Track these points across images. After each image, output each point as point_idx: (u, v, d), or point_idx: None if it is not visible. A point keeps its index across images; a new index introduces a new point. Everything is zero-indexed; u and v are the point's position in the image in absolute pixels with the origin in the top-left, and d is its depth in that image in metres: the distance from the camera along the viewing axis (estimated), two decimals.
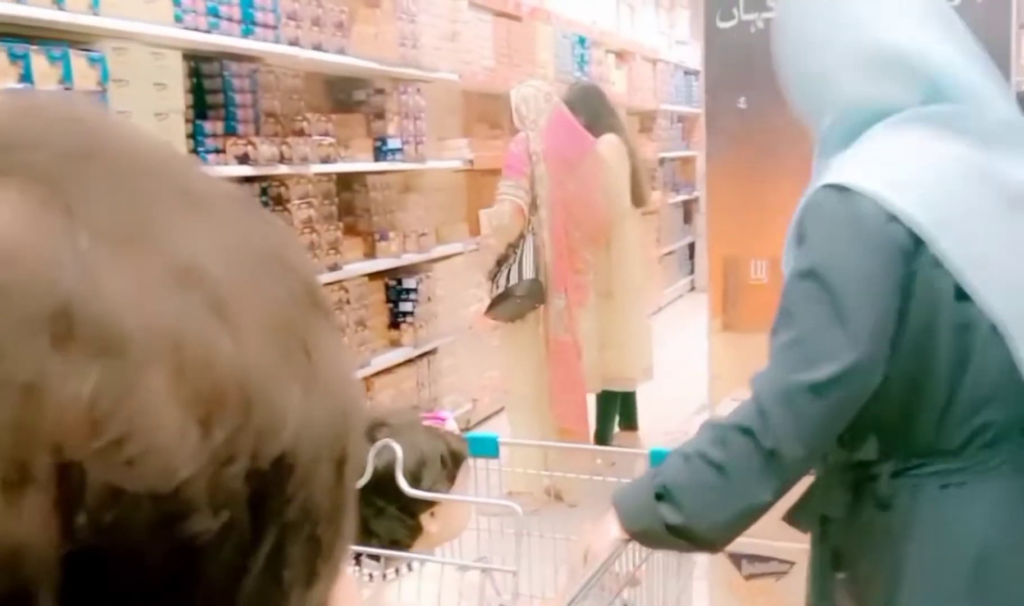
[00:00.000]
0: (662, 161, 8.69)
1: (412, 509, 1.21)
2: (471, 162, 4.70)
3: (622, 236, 3.96)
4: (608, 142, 3.92)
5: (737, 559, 2.16)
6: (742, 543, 2.17)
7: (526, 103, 3.58)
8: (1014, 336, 1.03)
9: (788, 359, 1.08)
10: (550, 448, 3.09)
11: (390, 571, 1.16)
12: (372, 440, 1.13)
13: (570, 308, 3.45)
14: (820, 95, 1.21)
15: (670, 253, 8.53)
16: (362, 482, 1.16)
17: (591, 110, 3.91)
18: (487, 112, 5.47)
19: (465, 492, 1.30)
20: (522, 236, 3.44)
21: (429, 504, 1.21)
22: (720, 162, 2.67)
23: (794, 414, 1.04)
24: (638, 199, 4.05)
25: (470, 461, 1.35)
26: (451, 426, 1.29)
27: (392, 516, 1.20)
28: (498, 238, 3.47)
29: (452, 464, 1.25)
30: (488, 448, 1.45)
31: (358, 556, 1.17)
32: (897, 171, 1.08)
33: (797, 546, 2.11)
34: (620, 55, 8.03)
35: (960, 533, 1.08)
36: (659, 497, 1.10)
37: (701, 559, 2.22)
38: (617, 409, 4.17)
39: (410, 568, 1.18)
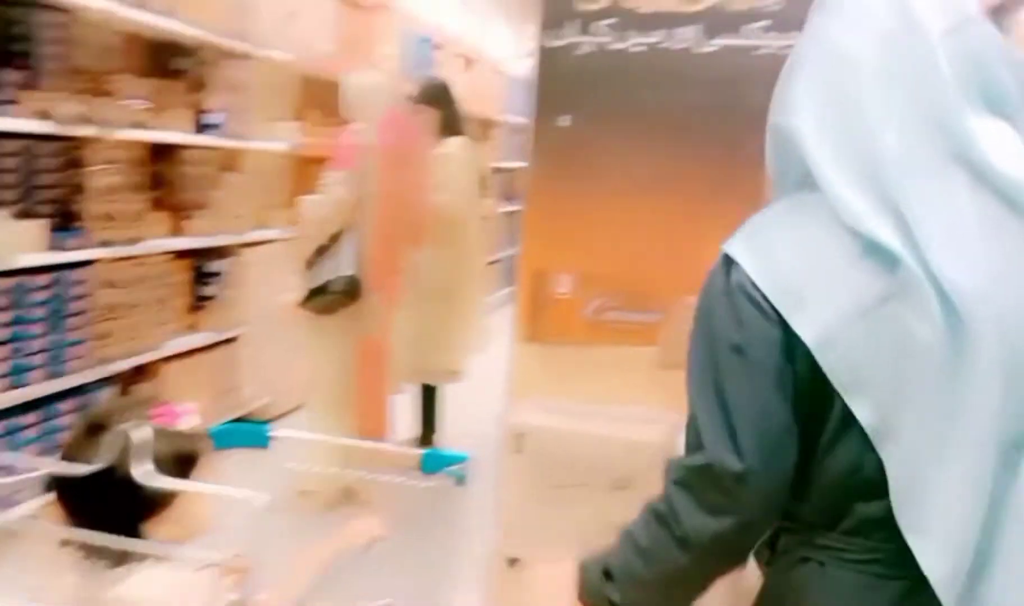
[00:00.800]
0: (497, 170, 8.80)
1: (132, 514, 1.12)
2: (299, 147, 4.56)
3: (466, 238, 3.96)
4: (458, 143, 3.93)
5: (515, 564, 2.20)
6: (524, 551, 2.22)
7: (363, 94, 3.51)
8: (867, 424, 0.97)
9: (688, 438, 1.05)
10: (350, 446, 3.03)
11: (123, 566, 1.08)
12: (94, 435, 1.05)
13: (384, 307, 3.41)
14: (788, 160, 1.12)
15: (496, 261, 8.64)
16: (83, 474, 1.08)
17: (443, 108, 3.90)
18: (321, 98, 5.32)
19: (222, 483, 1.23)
20: (344, 230, 3.36)
21: (158, 506, 1.13)
22: (540, 177, 2.72)
23: (694, 497, 1.01)
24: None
25: (229, 455, 1.28)
26: (189, 421, 1.21)
27: (121, 519, 1.11)
28: (317, 228, 3.38)
29: (182, 465, 1.16)
30: (256, 438, 1.39)
31: (88, 548, 1.08)
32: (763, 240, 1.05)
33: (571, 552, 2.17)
34: (467, 60, 8.07)
35: None
36: (606, 575, 1.09)
37: (479, 565, 2.25)
38: (435, 403, 4.17)
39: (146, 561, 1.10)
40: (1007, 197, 0.94)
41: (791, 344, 0.96)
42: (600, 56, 2.61)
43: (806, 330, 0.95)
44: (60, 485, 1.13)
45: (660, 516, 1.05)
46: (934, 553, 0.92)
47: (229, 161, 4.30)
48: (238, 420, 4.30)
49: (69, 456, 1.12)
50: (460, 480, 1.34)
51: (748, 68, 2.51)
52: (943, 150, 0.95)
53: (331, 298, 3.35)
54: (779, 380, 0.97)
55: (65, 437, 1.18)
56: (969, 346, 0.89)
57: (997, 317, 0.90)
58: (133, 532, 1.12)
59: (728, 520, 0.99)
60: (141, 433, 1.12)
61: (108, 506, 1.09)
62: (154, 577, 1.07)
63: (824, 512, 1.01)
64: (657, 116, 2.60)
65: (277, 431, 1.48)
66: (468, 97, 7.64)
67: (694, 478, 1.01)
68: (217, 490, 1.17)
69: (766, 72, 2.52)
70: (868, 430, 0.95)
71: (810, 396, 0.97)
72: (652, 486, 2.13)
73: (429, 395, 4.16)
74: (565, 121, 2.69)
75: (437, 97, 3.95)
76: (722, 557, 1.04)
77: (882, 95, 0.98)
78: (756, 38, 2.49)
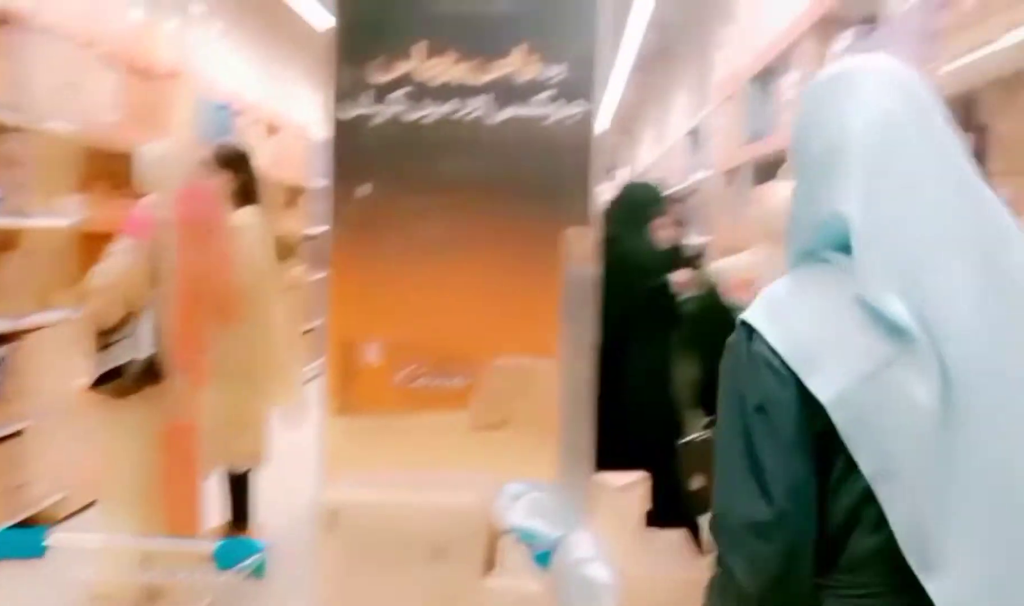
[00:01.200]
0: (308, 237, 8.65)
1: None
2: (85, 222, 4.29)
3: (266, 311, 3.82)
4: (251, 212, 3.78)
5: None
6: None
7: (159, 165, 3.36)
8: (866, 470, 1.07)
9: (718, 497, 1.14)
10: (151, 543, 2.84)
11: None
12: None
13: (188, 389, 3.24)
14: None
15: (309, 331, 8.43)
16: None
17: (238, 174, 3.76)
18: (109, 170, 5.05)
19: None
20: (140, 308, 3.17)
21: None
22: (343, 246, 2.71)
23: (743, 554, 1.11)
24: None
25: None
26: None
27: None
28: (106, 303, 3.17)
29: None
30: (29, 548, 1.28)
31: None
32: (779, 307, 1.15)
33: None
34: (269, 127, 7.93)
35: None
36: None
37: None
38: (246, 489, 3.97)
39: None
40: (1010, 275, 1.10)
41: (806, 403, 1.08)
42: (395, 126, 2.66)
43: (822, 391, 1.07)
44: None
45: (719, 586, 1.15)
46: (946, 588, 1.04)
47: (7, 240, 3.98)
48: (26, 521, 3.92)
49: None
50: (258, 572, 1.28)
51: (537, 136, 2.63)
52: (963, 225, 1.10)
53: (128, 381, 3.14)
54: (798, 435, 1.09)
55: None
56: (962, 405, 1.04)
57: (988, 383, 1.06)
58: None
59: (774, 565, 1.09)
60: None
61: None
62: None
63: (821, 553, 1.11)
64: (454, 183, 2.67)
65: (54, 537, 1.36)
66: (273, 163, 7.52)
67: (737, 537, 1.11)
68: None
69: (553, 139, 2.67)
70: (868, 478, 1.06)
71: (820, 448, 1.09)
72: (471, 552, 2.14)
73: (237, 481, 3.96)
74: (365, 189, 2.70)
75: (231, 162, 3.83)
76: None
77: (916, 178, 1.11)
78: (542, 108, 2.62)
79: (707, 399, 3.27)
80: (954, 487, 1.04)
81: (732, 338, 1.17)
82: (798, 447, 1.09)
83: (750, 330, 1.14)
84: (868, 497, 1.07)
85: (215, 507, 3.85)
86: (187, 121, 5.67)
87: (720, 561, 1.15)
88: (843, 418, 1.06)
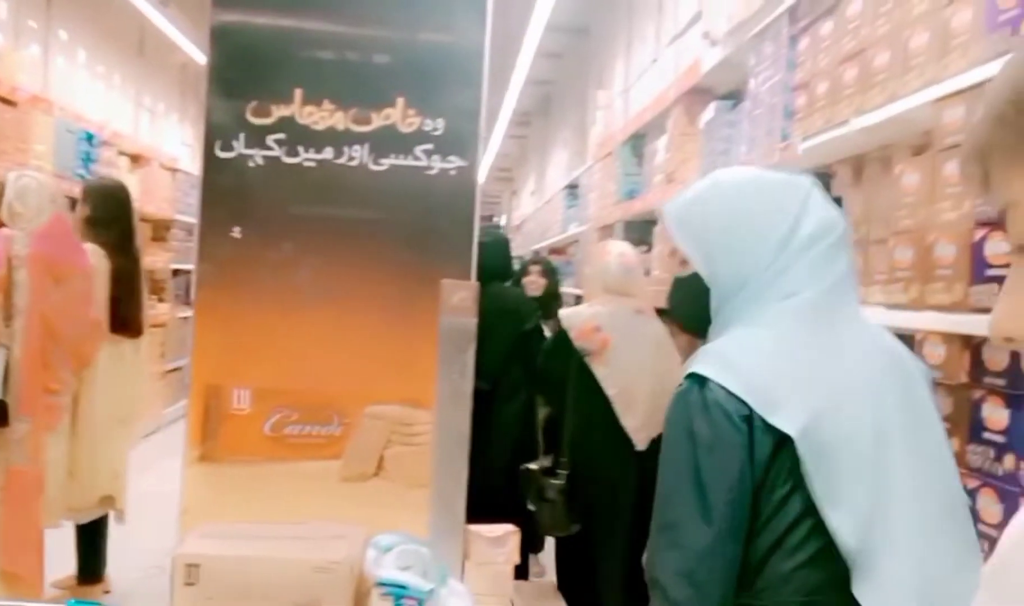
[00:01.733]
0: (176, 273, 8.35)
1: None
2: None
3: (120, 354, 3.65)
4: (94, 251, 3.61)
5: None
6: None
7: (23, 198, 3.18)
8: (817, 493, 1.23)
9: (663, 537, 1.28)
10: None
11: None
12: None
13: (36, 434, 3.04)
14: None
15: (175, 370, 8.10)
16: None
17: (108, 213, 3.60)
18: None
19: None
20: None
21: None
22: (210, 288, 2.63)
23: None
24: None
25: None
26: None
27: None
28: None
29: None
30: None
31: None
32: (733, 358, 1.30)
33: None
34: (135, 158, 7.65)
35: None
36: None
37: None
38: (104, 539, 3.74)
39: None
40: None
41: (753, 440, 1.25)
42: (271, 170, 2.61)
43: (788, 426, 1.23)
44: None
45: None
46: (878, 596, 1.21)
47: None
48: None
49: None
50: None
51: (417, 186, 2.64)
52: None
53: None
54: (743, 475, 1.24)
55: None
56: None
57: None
58: None
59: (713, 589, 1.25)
60: None
61: None
62: None
63: (748, 571, 1.27)
64: (330, 230, 2.64)
65: None
66: (139, 196, 7.24)
67: (683, 563, 1.25)
68: None
69: (434, 190, 2.69)
70: (819, 502, 1.22)
71: (763, 477, 1.26)
72: (341, 605, 2.08)
73: (90, 530, 3.73)
74: (236, 232, 2.63)
75: (99, 199, 3.68)
76: None
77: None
78: (424, 159, 2.64)
79: (550, 432, 3.72)
80: (890, 506, 1.23)
81: (681, 389, 1.31)
82: (742, 485, 1.24)
83: (701, 380, 1.28)
84: (792, 526, 1.25)
85: (62, 556, 3.62)
86: (49, 150, 5.40)
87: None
88: (806, 449, 1.23)
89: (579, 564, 3.22)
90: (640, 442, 3.14)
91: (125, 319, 3.64)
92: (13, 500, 2.98)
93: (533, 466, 3.28)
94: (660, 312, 3.24)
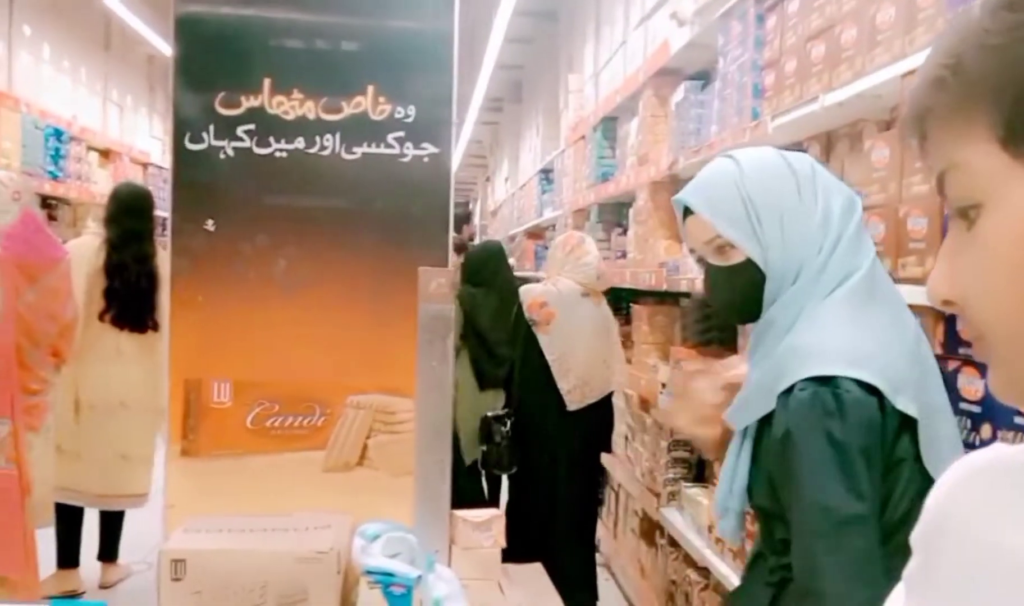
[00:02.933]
0: None
1: None
2: None
3: (88, 350, 3.65)
4: (81, 244, 3.71)
5: None
6: None
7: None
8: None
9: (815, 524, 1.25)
10: None
11: None
12: None
13: (16, 435, 3.01)
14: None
15: None
16: None
17: (119, 212, 3.71)
18: None
19: None
20: None
21: None
22: (185, 281, 2.61)
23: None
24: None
25: None
26: None
27: None
28: None
29: None
30: None
31: None
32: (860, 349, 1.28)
33: None
34: (105, 154, 7.56)
35: None
36: None
37: None
38: (80, 529, 3.77)
39: None
40: None
41: (885, 427, 1.25)
42: (242, 160, 2.59)
43: (910, 408, 1.25)
44: None
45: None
46: None
47: None
48: None
49: None
50: None
51: (391, 174, 2.63)
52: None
53: None
54: (880, 460, 1.25)
55: None
56: None
57: None
58: None
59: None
60: None
61: None
62: None
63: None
64: (303, 220, 2.63)
65: None
66: (109, 192, 7.15)
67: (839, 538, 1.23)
68: None
69: (408, 178, 2.68)
70: (934, 475, 1.16)
71: (888, 459, 1.26)
72: (328, 595, 2.09)
73: (111, 519, 3.80)
74: (210, 225, 2.62)
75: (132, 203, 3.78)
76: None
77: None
78: (396, 147, 2.63)
79: (508, 385, 4.12)
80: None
81: (805, 394, 1.25)
82: (878, 476, 1.24)
83: (825, 380, 1.24)
84: (913, 500, 1.23)
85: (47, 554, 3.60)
86: (16, 147, 5.32)
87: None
88: (922, 427, 1.25)
89: (525, 509, 3.75)
90: (571, 403, 3.76)
91: (136, 315, 3.71)
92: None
93: (489, 413, 3.88)
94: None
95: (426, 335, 2.44)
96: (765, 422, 1.33)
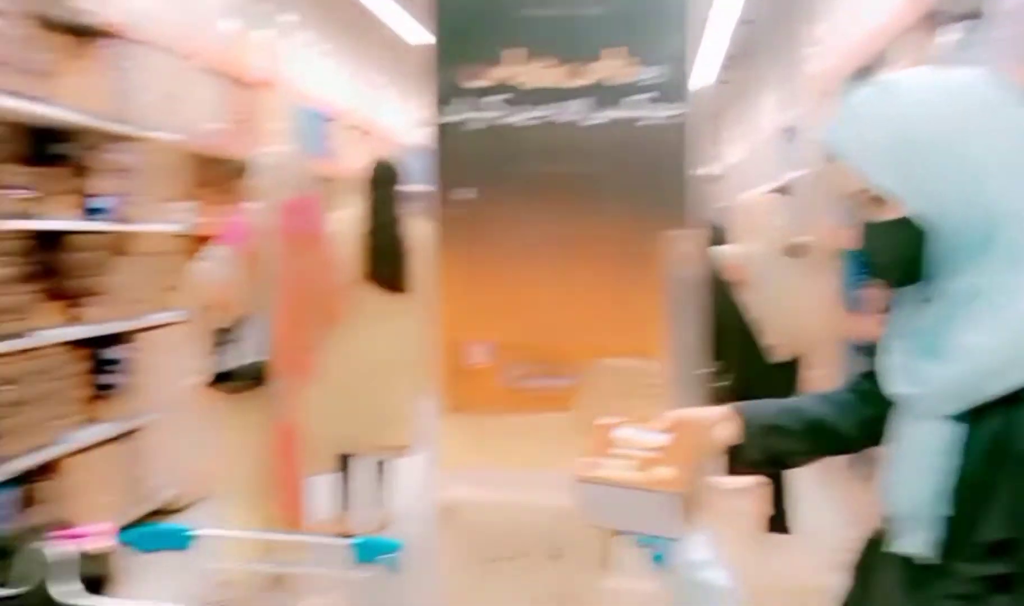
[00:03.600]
0: None
1: None
2: (191, 228, 4.47)
3: (358, 311, 3.95)
4: (341, 216, 4.00)
5: None
6: None
7: (264, 174, 3.49)
8: None
9: None
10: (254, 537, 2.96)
11: None
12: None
13: (294, 388, 3.34)
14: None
15: None
16: None
17: (392, 188, 4.00)
18: (213, 176, 5.25)
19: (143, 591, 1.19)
20: (245, 315, 3.31)
21: None
22: (446, 249, 2.76)
23: None
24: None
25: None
26: (101, 542, 1.17)
27: None
28: (207, 302, 3.34)
29: (91, 589, 1.12)
30: (175, 541, 1.34)
31: None
32: None
33: None
34: (360, 133, 8.10)
35: None
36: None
37: None
38: (351, 482, 4.13)
39: None
40: None
41: None
42: (493, 130, 2.69)
43: None
44: None
45: None
46: None
47: (120, 245, 4.17)
48: (148, 516, 4.10)
49: None
50: (394, 569, 1.33)
51: (633, 138, 2.63)
52: None
53: (239, 383, 3.28)
54: None
55: None
56: None
57: None
58: None
59: None
60: (60, 552, 1.09)
61: None
62: None
63: None
64: (556, 185, 2.69)
65: (198, 530, 1.43)
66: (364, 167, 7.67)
67: None
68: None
69: (649, 141, 2.67)
70: None
71: None
72: (587, 550, 2.16)
73: (374, 473, 4.16)
74: (468, 193, 2.74)
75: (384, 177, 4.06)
76: None
77: None
78: (638, 110, 2.62)
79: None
80: None
81: None
82: None
83: None
84: None
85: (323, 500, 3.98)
86: (284, 129, 5.83)
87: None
88: None
89: None
90: (776, 356, 3.79)
91: (380, 277, 3.98)
92: (278, 450, 3.31)
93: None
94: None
95: (675, 298, 2.43)
96: (981, 414, 1.08)
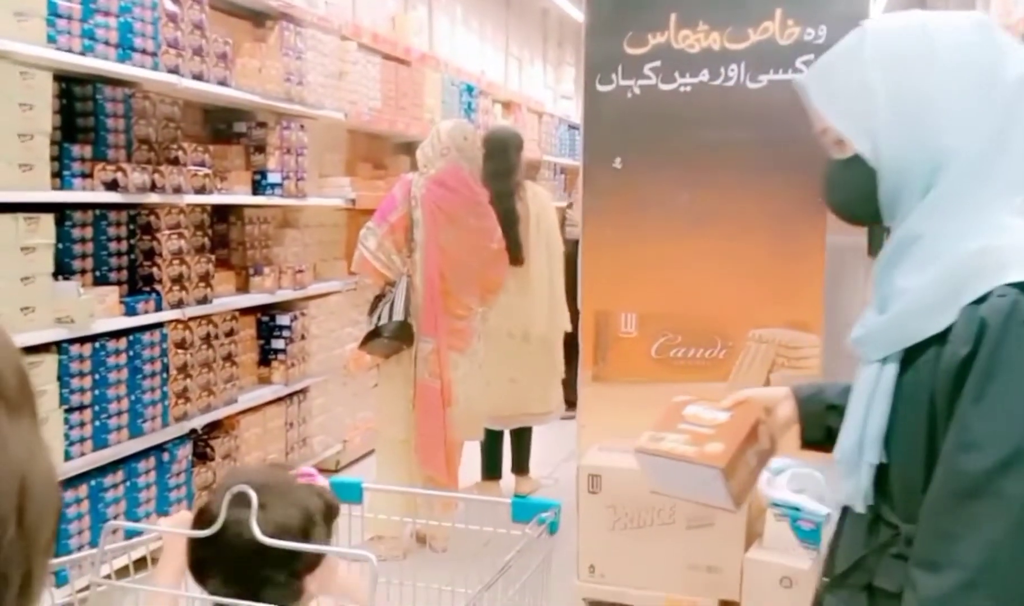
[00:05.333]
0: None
1: (293, 570, 1.18)
2: (353, 201, 4.67)
3: (534, 280, 4.04)
4: (537, 191, 4.11)
5: None
6: (600, 591, 2.23)
7: (423, 147, 3.59)
8: None
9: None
10: (418, 493, 3.09)
11: None
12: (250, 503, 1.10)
13: (440, 352, 3.44)
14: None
15: None
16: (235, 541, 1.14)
17: (506, 158, 4.01)
18: (371, 152, 5.46)
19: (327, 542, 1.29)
20: (397, 277, 3.45)
21: (311, 566, 1.18)
22: (595, 219, 2.77)
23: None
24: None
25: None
26: (321, 482, 1.28)
27: (279, 583, 1.17)
28: (371, 269, 3.49)
29: (331, 519, 1.24)
30: (351, 493, 1.44)
31: None
32: None
33: (654, 593, 2.18)
34: (507, 105, 8.19)
35: None
36: None
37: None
38: (501, 445, 4.23)
39: None
40: None
41: None
42: (648, 98, 2.66)
43: None
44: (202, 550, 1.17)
45: None
46: None
47: (288, 218, 4.42)
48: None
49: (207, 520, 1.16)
50: (552, 528, 1.36)
51: (796, 102, 2.54)
52: None
53: (384, 343, 3.42)
54: None
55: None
56: None
57: None
58: (297, 582, 1.17)
59: None
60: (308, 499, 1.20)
61: (265, 583, 1.15)
62: None
63: None
64: (708, 154, 2.64)
65: (369, 485, 1.52)
66: None
67: None
68: (335, 551, 1.22)
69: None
70: None
71: None
72: (732, 523, 2.13)
73: (522, 435, 4.26)
74: (617, 163, 2.74)
75: (501, 147, 4.07)
76: None
77: None
78: (805, 71, 2.52)
79: None
80: None
81: (1007, 299, 0.98)
82: None
83: None
84: None
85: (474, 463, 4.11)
86: (437, 103, 5.98)
87: None
88: None
89: None
90: None
91: (510, 249, 4.03)
92: (423, 411, 3.43)
93: None
94: None
95: (834, 269, 2.35)
96: (916, 352, 1.05)
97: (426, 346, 3.43)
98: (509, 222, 3.94)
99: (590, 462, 2.30)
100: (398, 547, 3.29)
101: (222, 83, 3.66)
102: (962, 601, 0.97)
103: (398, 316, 3.38)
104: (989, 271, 1.00)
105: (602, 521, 2.20)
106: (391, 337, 3.39)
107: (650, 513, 2.18)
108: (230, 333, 3.76)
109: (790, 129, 2.56)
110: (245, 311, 3.93)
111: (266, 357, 4.11)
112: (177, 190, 3.39)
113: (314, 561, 1.17)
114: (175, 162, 3.47)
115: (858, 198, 1.13)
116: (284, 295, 4.11)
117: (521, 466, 4.31)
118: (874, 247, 3.09)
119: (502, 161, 4.05)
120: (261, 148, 4.11)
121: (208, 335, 3.59)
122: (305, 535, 1.15)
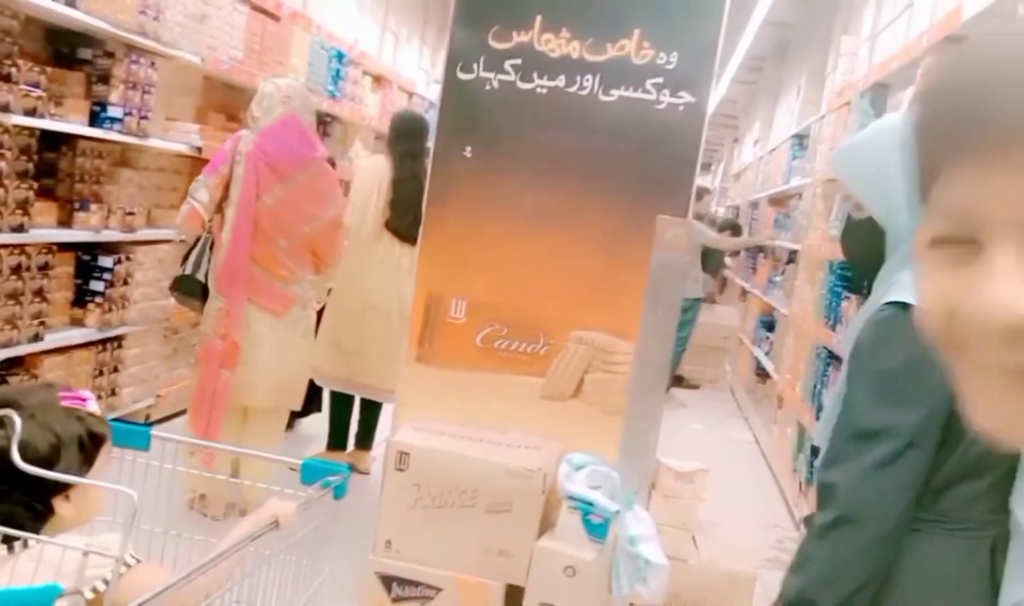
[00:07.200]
0: None
1: (41, 492, 1.15)
2: (199, 149, 4.49)
3: (372, 255, 4.00)
4: (371, 162, 4.09)
5: (388, 581, 2.24)
6: (393, 566, 2.26)
7: (260, 102, 3.51)
8: None
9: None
10: (240, 454, 3.03)
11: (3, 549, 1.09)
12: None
13: (231, 312, 3.34)
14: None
15: None
16: None
17: (420, 139, 4.04)
18: (226, 102, 5.26)
19: (105, 478, 1.25)
20: (202, 232, 3.43)
21: (62, 487, 1.16)
22: (439, 202, 2.79)
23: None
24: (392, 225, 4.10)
25: (115, 448, 1.30)
26: (92, 407, 1.25)
27: (16, 499, 1.13)
28: (179, 233, 3.45)
29: (91, 446, 1.20)
30: (138, 440, 1.40)
31: None
32: None
33: (444, 573, 2.23)
34: (377, 79, 8.08)
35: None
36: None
37: (355, 580, 2.27)
38: (348, 417, 4.19)
39: (26, 545, 1.11)
40: None
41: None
42: (505, 93, 2.71)
43: None
44: None
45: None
46: None
47: (125, 157, 4.20)
48: (116, 420, 4.16)
49: None
50: (339, 493, 1.37)
51: (645, 120, 2.65)
52: None
53: (178, 293, 3.44)
54: (943, 391, 1.24)
55: None
56: None
57: None
58: (44, 506, 1.14)
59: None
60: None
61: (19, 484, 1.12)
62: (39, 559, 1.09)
63: (931, 492, 1.33)
64: (555, 156, 2.72)
65: (158, 433, 1.48)
66: (378, 116, 7.68)
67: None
68: (93, 483, 1.19)
69: (661, 125, 2.68)
70: None
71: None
72: (529, 511, 2.21)
73: (370, 408, 4.23)
74: (468, 152, 2.77)
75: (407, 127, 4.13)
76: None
77: None
78: (653, 93, 2.64)
79: None
80: None
81: (883, 314, 1.32)
82: (939, 404, 1.27)
83: (904, 306, 1.29)
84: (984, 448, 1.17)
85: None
86: (303, 64, 5.83)
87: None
88: None
89: None
90: None
91: (395, 226, 4.02)
92: (200, 365, 3.38)
93: None
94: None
95: (656, 282, 2.47)
96: None
97: (215, 303, 3.36)
98: (414, 202, 3.94)
99: (401, 439, 2.32)
100: (219, 507, 3.23)
101: (70, 4, 3.44)
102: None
103: (190, 269, 3.37)
104: (881, 297, 1.34)
105: (405, 498, 2.23)
106: (182, 291, 3.38)
107: (453, 494, 2.23)
108: (44, 267, 3.53)
109: (633, 144, 2.68)
110: (65, 247, 3.71)
111: (82, 298, 3.89)
112: (4, 108, 3.16)
113: (63, 486, 1.15)
114: (6, 79, 3.23)
115: (869, 251, 1.44)
116: (110, 235, 3.91)
117: (364, 441, 4.27)
118: (855, 286, 3.52)
119: (416, 142, 4.09)
120: (105, 79, 3.88)
121: (20, 265, 3.37)
122: (53, 458, 1.13)
